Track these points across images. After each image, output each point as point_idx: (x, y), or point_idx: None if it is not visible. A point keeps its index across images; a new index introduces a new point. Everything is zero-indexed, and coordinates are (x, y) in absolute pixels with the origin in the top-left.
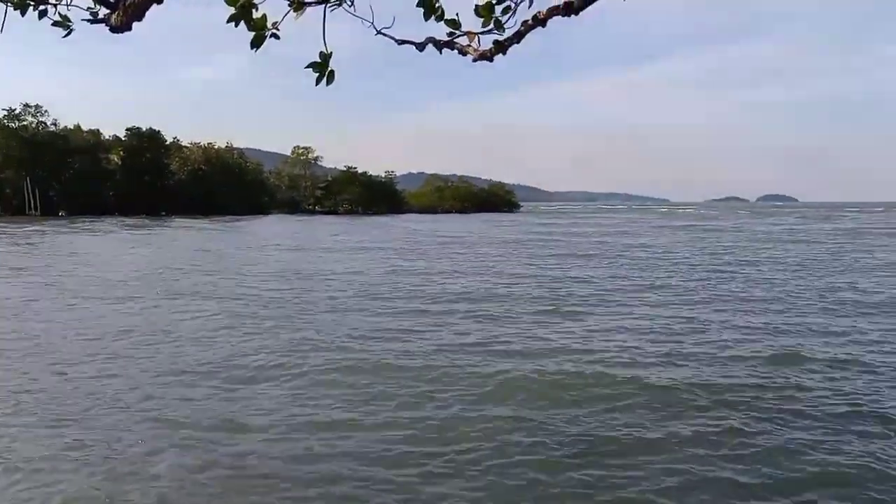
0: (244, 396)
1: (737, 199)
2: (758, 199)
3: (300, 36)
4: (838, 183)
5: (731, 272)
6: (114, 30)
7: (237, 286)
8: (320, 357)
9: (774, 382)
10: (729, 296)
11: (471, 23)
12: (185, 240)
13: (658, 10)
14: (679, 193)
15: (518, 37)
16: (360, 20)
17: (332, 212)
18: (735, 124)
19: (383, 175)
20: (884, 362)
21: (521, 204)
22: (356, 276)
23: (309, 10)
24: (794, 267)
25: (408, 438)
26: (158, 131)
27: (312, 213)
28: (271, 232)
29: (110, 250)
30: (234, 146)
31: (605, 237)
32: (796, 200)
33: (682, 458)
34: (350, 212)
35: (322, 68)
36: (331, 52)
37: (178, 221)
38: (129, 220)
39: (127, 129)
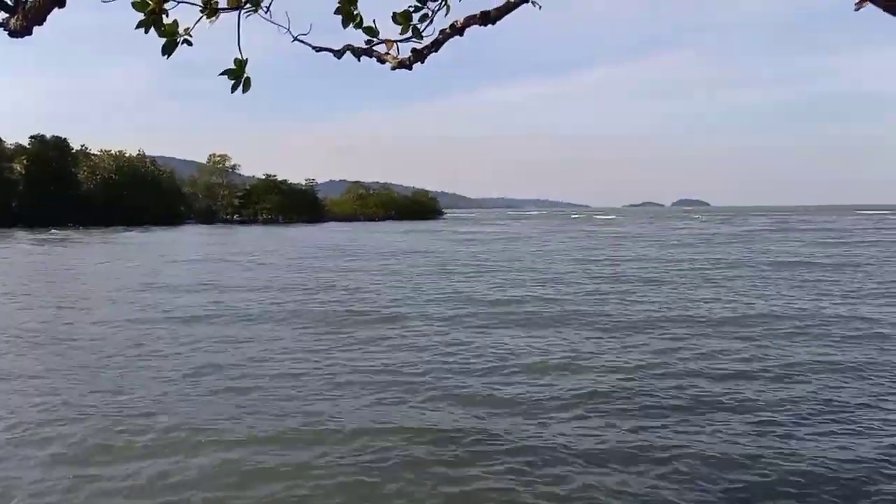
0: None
1: (653, 203)
2: (672, 204)
3: (217, 40)
4: (748, 187)
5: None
6: (13, 34)
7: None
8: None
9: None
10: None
11: (391, 31)
12: (48, 256)
13: (579, 20)
14: (599, 199)
15: (436, 45)
16: (277, 26)
17: (252, 221)
18: (652, 133)
19: (304, 183)
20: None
21: (445, 211)
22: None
23: (226, 15)
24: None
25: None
26: (65, 139)
27: (230, 222)
28: (164, 245)
29: None
30: (147, 154)
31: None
32: (708, 204)
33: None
34: (270, 221)
35: (237, 75)
36: (246, 59)
37: (59, 233)
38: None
39: (31, 137)
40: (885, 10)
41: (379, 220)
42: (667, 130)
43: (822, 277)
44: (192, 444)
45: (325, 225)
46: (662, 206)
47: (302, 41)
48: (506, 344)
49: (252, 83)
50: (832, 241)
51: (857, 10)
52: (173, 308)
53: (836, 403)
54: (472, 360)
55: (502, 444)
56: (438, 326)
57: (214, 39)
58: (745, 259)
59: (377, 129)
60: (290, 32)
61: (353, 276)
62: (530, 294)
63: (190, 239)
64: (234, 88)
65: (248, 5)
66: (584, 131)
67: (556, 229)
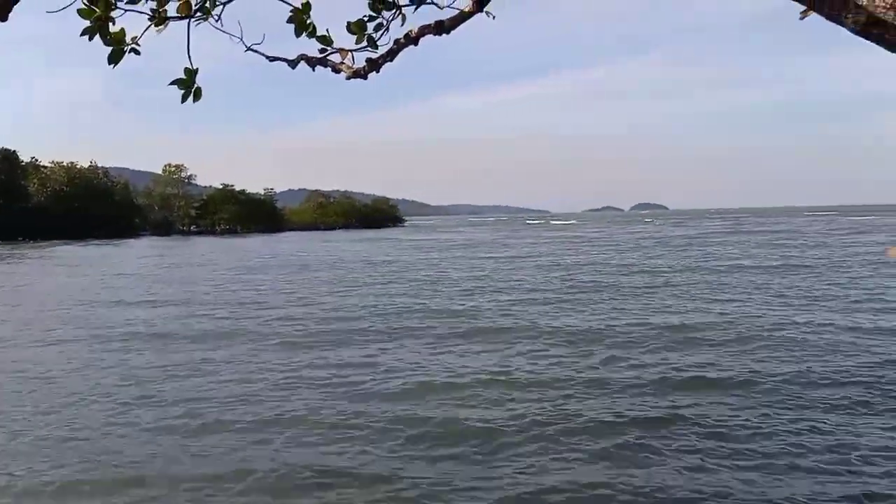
0: None
1: (612, 208)
2: (631, 208)
3: (170, 49)
4: (704, 190)
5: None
6: None
7: None
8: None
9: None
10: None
11: (346, 40)
12: None
13: (539, 26)
14: (559, 204)
15: (391, 55)
16: (229, 36)
17: (209, 231)
18: (611, 137)
19: (262, 192)
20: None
21: (406, 218)
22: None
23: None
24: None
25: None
26: (14, 151)
27: (187, 233)
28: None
29: None
30: (100, 165)
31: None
32: (667, 208)
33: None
34: (228, 231)
35: (187, 85)
36: (196, 69)
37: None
38: None
39: None
40: (827, 18)
41: (339, 229)
42: (625, 134)
43: (764, 281)
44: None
45: (283, 235)
46: (622, 210)
47: (255, 51)
48: (429, 360)
49: (207, 92)
50: (777, 242)
51: (801, 19)
52: (103, 325)
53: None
54: (406, 377)
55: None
56: (376, 342)
57: (166, 48)
58: (675, 265)
59: (336, 138)
60: (244, 42)
61: (294, 289)
62: (470, 305)
63: (134, 252)
64: (184, 98)
65: (198, 14)
66: (545, 135)
67: (512, 235)
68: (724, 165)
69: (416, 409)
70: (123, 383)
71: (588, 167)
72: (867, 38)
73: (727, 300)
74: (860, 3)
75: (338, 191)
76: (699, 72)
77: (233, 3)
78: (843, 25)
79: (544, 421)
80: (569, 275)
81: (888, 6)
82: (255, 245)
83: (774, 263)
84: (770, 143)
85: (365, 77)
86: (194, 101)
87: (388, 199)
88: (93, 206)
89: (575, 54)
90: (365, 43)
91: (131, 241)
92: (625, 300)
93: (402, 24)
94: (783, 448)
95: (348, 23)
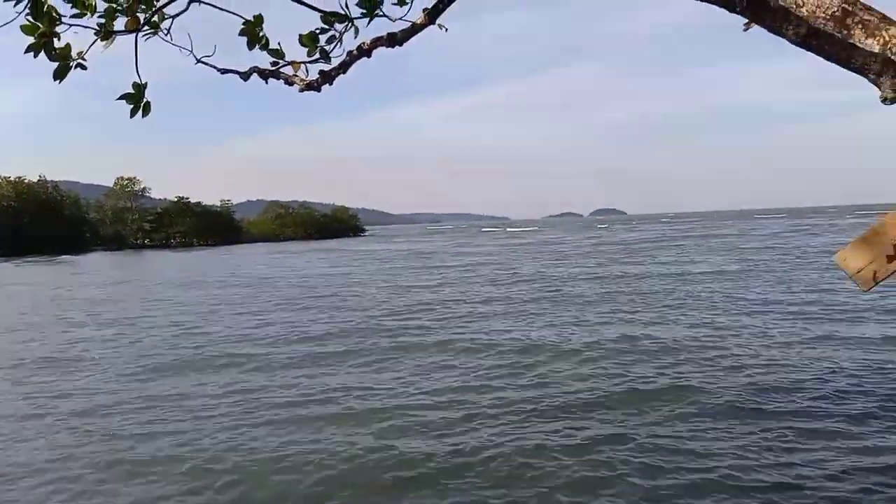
0: None
1: (573, 214)
2: (591, 214)
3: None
4: (660, 196)
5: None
6: None
7: None
8: None
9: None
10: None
11: (301, 52)
12: None
13: (489, 37)
14: (519, 211)
15: (343, 67)
16: (179, 48)
17: (164, 245)
18: (570, 144)
19: (219, 204)
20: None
21: (367, 228)
22: None
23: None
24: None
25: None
26: None
27: (141, 247)
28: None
29: None
30: (49, 179)
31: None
32: (625, 213)
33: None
34: (184, 244)
35: (136, 99)
36: (145, 83)
37: None
38: None
39: None
40: (769, 30)
41: (299, 240)
42: (583, 142)
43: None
44: None
45: (239, 247)
46: (581, 216)
47: (206, 63)
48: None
49: (163, 104)
50: (712, 245)
51: (745, 30)
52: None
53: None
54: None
55: None
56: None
57: (118, 60)
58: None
59: (295, 148)
60: (194, 55)
61: (230, 309)
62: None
63: (68, 270)
64: (133, 113)
65: (146, 28)
66: (505, 144)
67: (466, 242)
68: (680, 171)
69: (352, 436)
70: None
71: (548, 175)
72: (808, 49)
73: (646, 311)
74: (801, 15)
75: (296, 201)
76: (644, 81)
77: (185, 13)
78: (784, 37)
79: (486, 448)
80: (507, 284)
81: (828, 17)
82: (206, 258)
83: (703, 270)
84: (724, 146)
85: (318, 89)
86: (143, 115)
87: (347, 209)
88: (41, 222)
89: (515, 66)
90: (318, 55)
91: (76, 257)
92: (556, 312)
93: (356, 37)
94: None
95: (300, 35)
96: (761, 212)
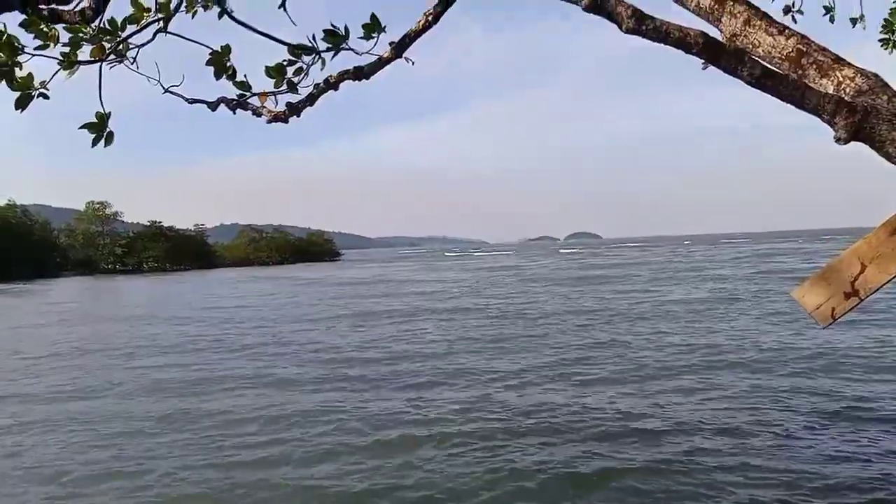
0: None
1: (549, 237)
2: (567, 237)
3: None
4: (634, 219)
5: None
6: None
7: None
8: None
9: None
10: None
11: (270, 83)
12: None
13: (461, 60)
14: (498, 234)
15: (311, 99)
16: (147, 78)
17: (137, 270)
18: (549, 168)
19: (193, 228)
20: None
21: (344, 252)
22: None
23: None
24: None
25: None
26: None
27: (113, 272)
28: None
29: None
30: (18, 203)
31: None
32: (600, 237)
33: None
34: (157, 269)
35: (99, 129)
36: (109, 113)
37: None
38: None
39: None
40: (724, 71)
41: (274, 265)
42: (560, 165)
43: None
44: None
45: (211, 272)
46: (558, 239)
47: (174, 93)
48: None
49: (139, 124)
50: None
51: (703, 69)
52: None
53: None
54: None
55: None
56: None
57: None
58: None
59: (272, 172)
60: (161, 84)
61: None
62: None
63: (36, 301)
64: (94, 142)
65: (111, 57)
66: (484, 168)
67: (426, 268)
68: (655, 194)
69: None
70: None
71: (527, 199)
72: (762, 90)
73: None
74: (757, 55)
75: (271, 225)
76: (621, 102)
77: (153, 42)
78: (740, 78)
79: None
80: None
81: (783, 57)
82: (170, 286)
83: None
84: (701, 169)
85: (286, 121)
86: (105, 145)
87: (323, 233)
88: (9, 247)
89: (493, 85)
90: (285, 86)
91: (41, 285)
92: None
93: (322, 69)
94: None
95: (267, 67)
96: (729, 236)
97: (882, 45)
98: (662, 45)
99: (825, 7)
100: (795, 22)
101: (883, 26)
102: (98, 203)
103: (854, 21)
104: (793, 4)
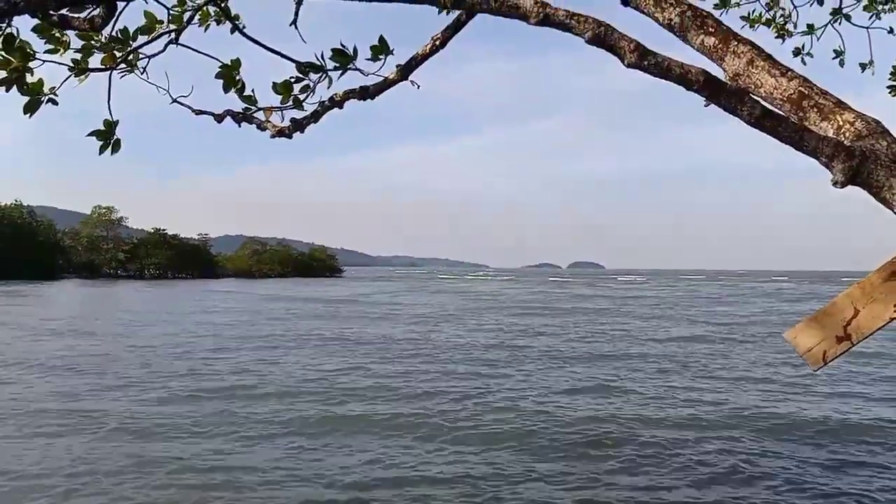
0: None
1: (551, 265)
2: (569, 266)
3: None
4: (641, 252)
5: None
6: None
7: None
8: None
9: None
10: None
11: (276, 97)
12: None
13: (468, 86)
14: (498, 260)
15: (315, 116)
16: (156, 87)
17: (139, 276)
18: (556, 197)
19: (196, 237)
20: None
21: (344, 268)
22: None
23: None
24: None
25: None
26: None
27: (115, 277)
28: None
29: None
30: (25, 204)
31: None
32: (603, 267)
33: None
34: (159, 276)
35: (106, 137)
36: (117, 121)
37: None
38: None
39: None
40: (724, 110)
41: (275, 277)
42: (570, 195)
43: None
44: None
45: (210, 282)
46: (560, 267)
47: (181, 104)
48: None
49: (147, 130)
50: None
51: (706, 106)
52: None
53: None
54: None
55: None
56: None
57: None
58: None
59: (279, 185)
60: (170, 94)
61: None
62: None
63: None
64: (101, 150)
65: (122, 65)
66: (489, 192)
67: (414, 289)
68: (661, 228)
69: None
70: None
71: (532, 225)
72: (761, 130)
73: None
74: (758, 96)
75: (275, 238)
76: (630, 135)
77: (163, 53)
78: (739, 117)
79: None
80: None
81: (784, 99)
82: (165, 295)
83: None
84: (708, 205)
85: (290, 136)
86: (112, 153)
87: (325, 249)
88: (12, 247)
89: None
90: (290, 103)
91: (50, 284)
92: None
93: (329, 87)
94: None
95: (274, 83)
96: (727, 273)
97: (890, 92)
98: (665, 80)
99: (835, 51)
100: (805, 64)
101: (892, 73)
102: (104, 207)
103: (863, 66)
104: (802, 47)
